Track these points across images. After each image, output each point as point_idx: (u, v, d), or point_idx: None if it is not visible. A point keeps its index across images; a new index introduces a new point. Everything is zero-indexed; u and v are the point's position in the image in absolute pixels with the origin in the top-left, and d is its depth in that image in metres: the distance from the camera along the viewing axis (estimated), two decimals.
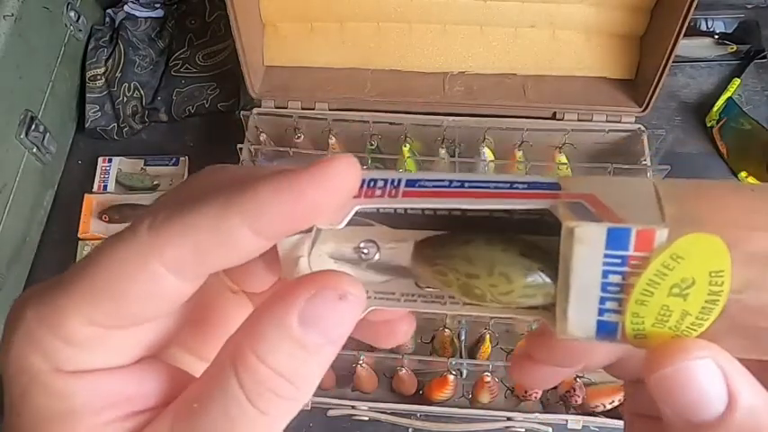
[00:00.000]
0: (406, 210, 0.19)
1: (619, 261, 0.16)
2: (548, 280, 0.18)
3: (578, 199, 0.17)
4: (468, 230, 0.19)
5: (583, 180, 0.18)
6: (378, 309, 0.19)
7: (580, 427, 0.65)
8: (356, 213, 0.18)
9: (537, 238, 0.19)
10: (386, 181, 0.18)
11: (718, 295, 0.16)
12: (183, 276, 0.17)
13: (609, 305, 0.17)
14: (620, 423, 0.65)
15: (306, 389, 0.17)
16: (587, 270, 0.17)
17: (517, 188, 0.18)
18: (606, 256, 0.16)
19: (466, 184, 0.18)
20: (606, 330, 0.17)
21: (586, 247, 0.16)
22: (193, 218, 0.16)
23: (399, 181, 0.18)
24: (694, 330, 0.17)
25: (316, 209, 0.17)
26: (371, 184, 0.18)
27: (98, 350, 0.17)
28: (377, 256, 0.20)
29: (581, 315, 0.17)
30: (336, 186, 0.17)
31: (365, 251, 0.20)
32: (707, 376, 0.16)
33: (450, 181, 0.18)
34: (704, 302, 0.16)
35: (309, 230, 0.18)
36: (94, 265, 0.17)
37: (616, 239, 0.16)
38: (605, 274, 0.17)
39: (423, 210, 0.19)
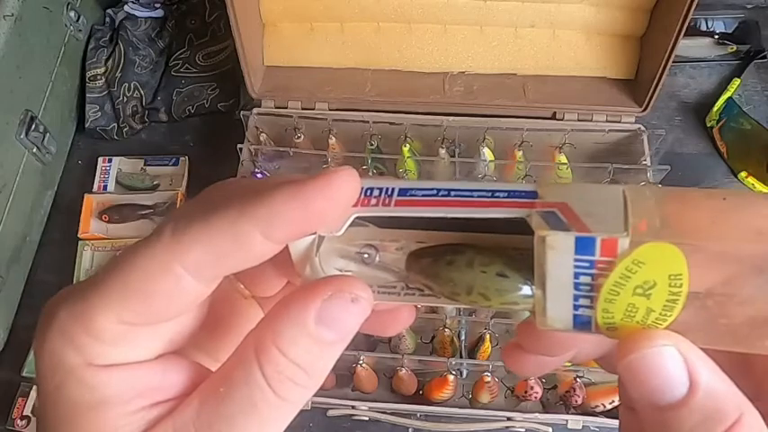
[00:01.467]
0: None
1: (587, 265, 0.18)
2: (523, 293, 0.20)
3: (551, 208, 0.19)
4: (456, 230, 0.22)
5: (558, 188, 0.19)
6: (381, 303, 0.22)
7: (580, 427, 0.65)
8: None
9: (517, 241, 0.21)
10: (381, 190, 0.20)
11: (678, 295, 0.18)
12: (201, 278, 0.18)
13: (582, 301, 0.19)
14: None
15: (318, 378, 0.19)
16: (560, 272, 0.18)
17: (498, 197, 0.20)
18: (576, 260, 0.18)
19: (452, 193, 0.20)
20: (581, 323, 0.19)
21: (557, 252, 0.18)
22: (211, 224, 0.18)
23: (392, 190, 0.20)
24: (659, 324, 0.19)
25: (320, 216, 0.19)
26: (368, 192, 0.20)
27: (125, 346, 0.19)
28: (377, 259, 0.22)
29: (558, 310, 0.19)
30: (339, 196, 0.19)
31: (366, 255, 0.22)
32: (669, 362, 0.18)
33: (438, 190, 0.20)
34: (666, 301, 0.18)
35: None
36: (122, 268, 0.18)
37: (584, 246, 0.18)
38: (576, 275, 0.18)
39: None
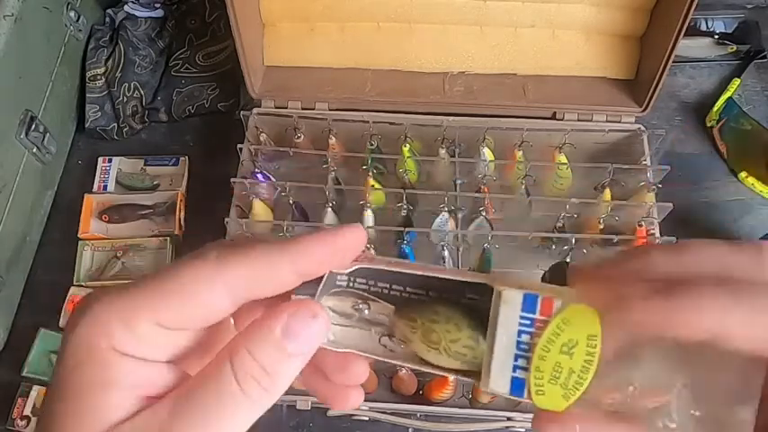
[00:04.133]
0: (390, 288, 0.27)
1: (528, 323, 0.23)
2: (482, 339, 0.24)
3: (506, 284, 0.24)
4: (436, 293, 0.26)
5: (508, 278, 0.24)
6: (352, 352, 0.26)
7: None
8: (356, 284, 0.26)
9: (483, 308, 0.25)
10: (381, 258, 0.26)
11: (593, 356, 0.22)
12: (234, 296, 0.23)
13: (520, 362, 0.23)
14: None
15: (278, 384, 0.22)
16: (508, 328, 0.23)
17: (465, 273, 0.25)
18: (521, 317, 0.23)
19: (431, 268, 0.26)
20: (517, 387, 0.23)
21: (509, 307, 0.23)
22: (253, 253, 0.23)
23: (388, 261, 0.26)
24: (577, 390, 0.22)
25: (339, 254, 0.24)
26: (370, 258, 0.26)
27: (150, 344, 0.22)
28: (366, 312, 0.27)
29: (500, 370, 0.23)
30: (352, 240, 0.24)
31: (360, 306, 0.27)
32: None
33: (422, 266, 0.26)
34: (583, 361, 0.22)
35: (318, 284, 0.25)
36: (168, 278, 0.22)
37: (529, 303, 0.23)
38: (519, 333, 0.23)
39: (403, 287, 0.27)
